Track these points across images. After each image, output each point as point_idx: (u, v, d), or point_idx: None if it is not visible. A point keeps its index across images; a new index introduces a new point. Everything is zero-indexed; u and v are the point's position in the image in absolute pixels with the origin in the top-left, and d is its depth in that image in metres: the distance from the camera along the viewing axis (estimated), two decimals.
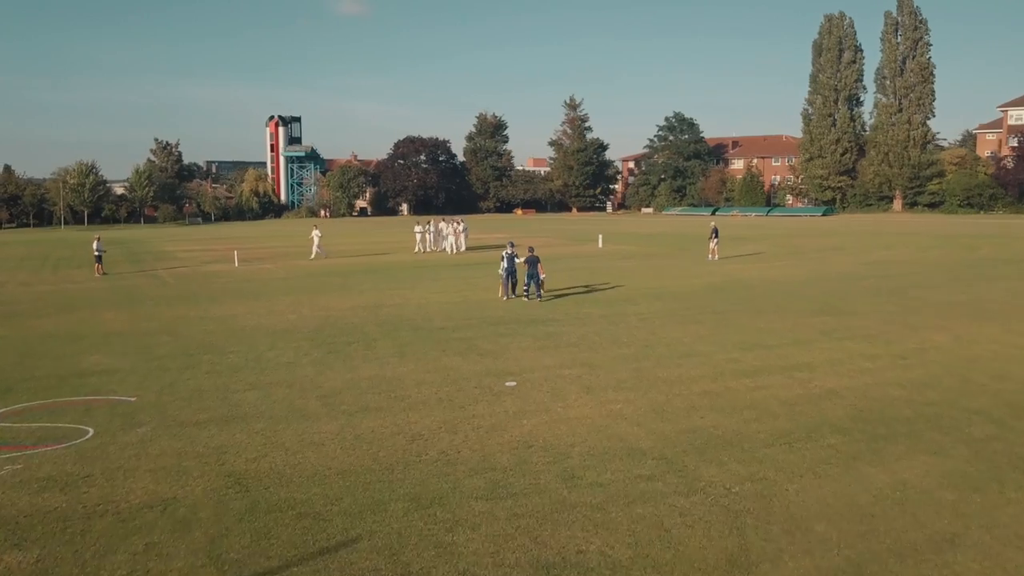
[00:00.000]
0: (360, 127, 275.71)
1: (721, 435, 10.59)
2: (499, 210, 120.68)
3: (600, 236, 48.71)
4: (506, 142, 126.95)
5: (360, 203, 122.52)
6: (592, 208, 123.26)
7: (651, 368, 14.46)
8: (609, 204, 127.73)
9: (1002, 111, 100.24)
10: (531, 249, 23.98)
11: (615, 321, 19.65)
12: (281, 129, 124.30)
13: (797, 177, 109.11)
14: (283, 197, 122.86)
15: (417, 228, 46.27)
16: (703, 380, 13.52)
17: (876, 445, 10.09)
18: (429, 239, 45.44)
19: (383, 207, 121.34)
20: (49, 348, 17.62)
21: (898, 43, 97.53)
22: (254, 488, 9.01)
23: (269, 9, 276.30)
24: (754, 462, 9.54)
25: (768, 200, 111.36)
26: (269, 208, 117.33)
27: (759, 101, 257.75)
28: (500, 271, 24.64)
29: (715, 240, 36.54)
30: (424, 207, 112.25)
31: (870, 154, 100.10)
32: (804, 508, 8.19)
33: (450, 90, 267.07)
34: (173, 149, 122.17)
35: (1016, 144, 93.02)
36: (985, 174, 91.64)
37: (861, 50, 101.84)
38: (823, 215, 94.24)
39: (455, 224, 45.26)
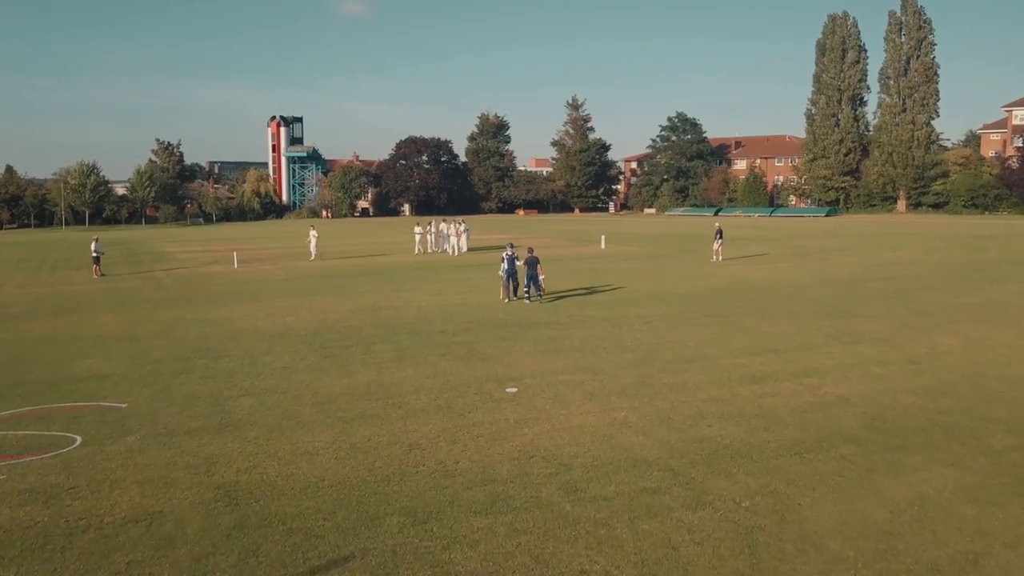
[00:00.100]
0: (362, 127, 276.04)
1: (729, 445, 10.22)
2: (501, 211, 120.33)
3: (603, 237, 48.33)
4: (508, 142, 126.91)
5: (362, 203, 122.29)
6: (594, 209, 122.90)
7: (656, 373, 14.09)
8: (612, 205, 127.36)
9: (1006, 111, 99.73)
10: (531, 250, 23.63)
11: (618, 324, 19.28)
12: (283, 129, 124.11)
13: (800, 177, 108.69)
14: (285, 198, 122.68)
15: (417, 229, 45.90)
16: (709, 386, 13.15)
17: (891, 456, 9.71)
18: (430, 240, 45.07)
19: (385, 208, 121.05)
20: (42, 352, 17.29)
21: (902, 43, 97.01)
22: (244, 501, 8.65)
23: (271, 9, 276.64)
24: (764, 474, 9.17)
25: (771, 201, 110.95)
26: (271, 209, 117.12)
27: (762, 101, 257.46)
28: (500, 273, 24.30)
29: (719, 241, 36.07)
30: (426, 208, 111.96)
31: (874, 154, 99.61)
32: (818, 524, 7.82)
33: (452, 90, 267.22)
34: (175, 149, 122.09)
35: (1021, 144, 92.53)
36: (990, 174, 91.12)
37: (865, 50, 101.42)
38: (826, 216, 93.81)
39: (456, 225, 44.89)
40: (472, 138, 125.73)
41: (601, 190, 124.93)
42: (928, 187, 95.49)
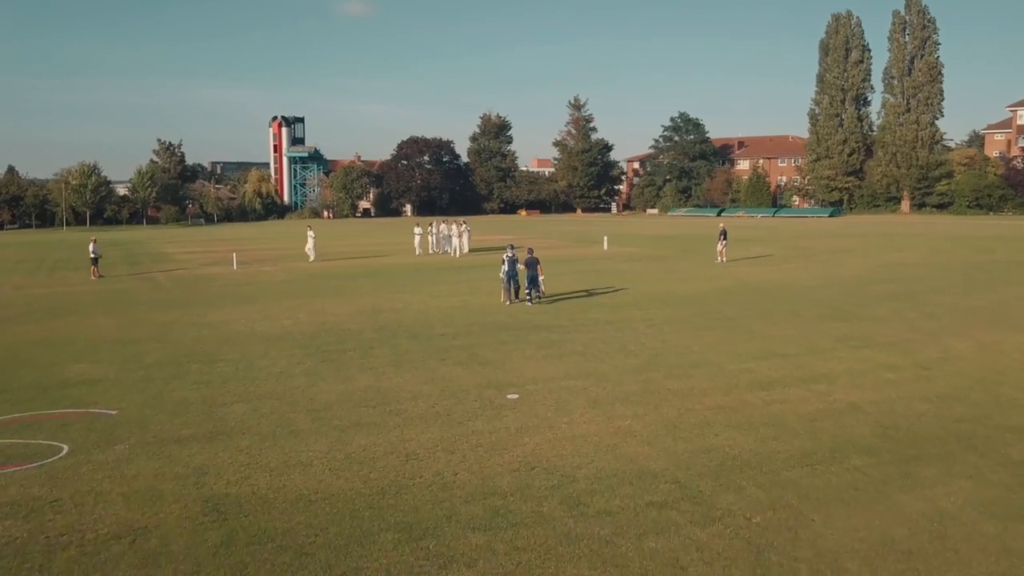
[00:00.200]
0: (364, 128, 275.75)
1: (738, 455, 9.85)
2: (503, 211, 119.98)
3: (606, 238, 47.94)
4: (510, 143, 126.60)
5: (364, 204, 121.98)
6: (597, 209, 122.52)
7: (661, 379, 13.72)
8: (614, 205, 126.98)
9: (1011, 111, 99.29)
10: (530, 251, 23.29)
11: (622, 327, 18.91)
12: (284, 130, 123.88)
13: (804, 178, 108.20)
14: (286, 198, 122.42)
15: (416, 230, 45.47)
16: (716, 393, 12.78)
17: (906, 468, 9.33)
18: (431, 241, 44.70)
19: (387, 208, 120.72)
20: (35, 355, 16.95)
21: (906, 42, 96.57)
22: (233, 516, 8.30)
23: (273, 9, 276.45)
24: (775, 487, 8.80)
25: (774, 201, 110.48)
26: (272, 209, 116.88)
27: (765, 101, 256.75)
28: (501, 275, 23.95)
29: (723, 242, 35.66)
30: (428, 208, 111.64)
31: (878, 154, 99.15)
32: (833, 542, 7.45)
33: (454, 91, 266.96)
34: (176, 150, 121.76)
35: None
36: (995, 175, 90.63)
37: (868, 49, 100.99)
38: (830, 216, 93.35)
39: (457, 225, 44.53)
40: (474, 138, 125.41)
41: (603, 190, 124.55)
42: (932, 187, 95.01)
